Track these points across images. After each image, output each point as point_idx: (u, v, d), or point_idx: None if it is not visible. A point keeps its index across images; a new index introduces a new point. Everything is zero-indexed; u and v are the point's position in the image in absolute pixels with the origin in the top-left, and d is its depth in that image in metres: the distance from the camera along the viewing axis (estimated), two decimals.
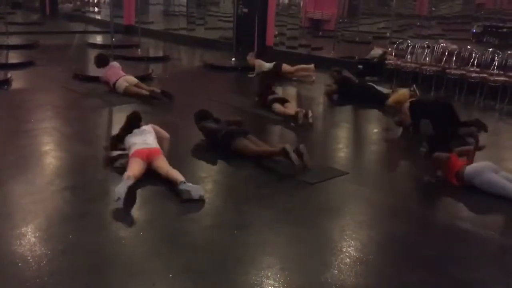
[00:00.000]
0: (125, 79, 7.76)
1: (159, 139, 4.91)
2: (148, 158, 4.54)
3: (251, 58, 10.26)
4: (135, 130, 4.88)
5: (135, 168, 4.39)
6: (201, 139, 5.76)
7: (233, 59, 11.33)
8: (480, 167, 4.65)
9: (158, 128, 5.04)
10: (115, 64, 8.10)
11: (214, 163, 5.20)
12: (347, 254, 3.45)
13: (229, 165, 5.22)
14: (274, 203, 4.28)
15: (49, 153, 5.25)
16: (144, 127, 4.95)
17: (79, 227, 3.66)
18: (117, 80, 7.73)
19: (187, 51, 14.14)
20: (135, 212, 4.04)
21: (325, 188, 4.65)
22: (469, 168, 4.66)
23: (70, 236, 3.52)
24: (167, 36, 15.72)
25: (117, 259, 3.32)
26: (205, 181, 4.61)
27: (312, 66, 9.89)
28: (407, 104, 6.56)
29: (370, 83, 8.57)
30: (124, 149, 4.86)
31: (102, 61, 8.02)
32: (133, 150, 4.60)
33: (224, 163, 5.26)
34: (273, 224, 3.86)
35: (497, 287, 3.20)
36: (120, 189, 3.95)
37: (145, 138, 4.76)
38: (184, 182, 4.21)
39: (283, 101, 7.15)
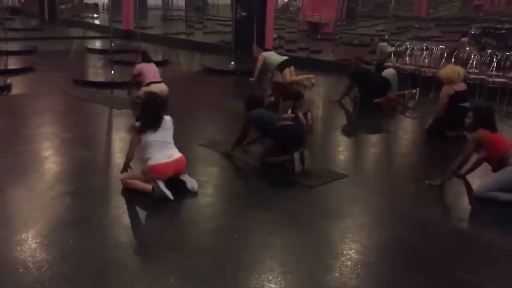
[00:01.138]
0: (159, 87, 7.23)
1: None
2: (175, 173, 4.39)
3: (257, 49, 9.66)
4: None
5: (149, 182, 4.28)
6: (199, 144, 5.76)
7: (232, 63, 11.35)
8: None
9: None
10: (154, 66, 7.77)
11: (214, 167, 5.20)
12: (348, 256, 3.45)
13: (229, 169, 5.22)
14: (275, 206, 4.28)
15: (49, 158, 5.25)
16: (166, 118, 4.46)
17: (79, 233, 3.66)
18: (151, 82, 7.34)
19: (186, 55, 14.16)
20: (136, 217, 4.04)
21: (326, 191, 4.65)
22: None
23: (71, 242, 3.51)
24: (166, 41, 15.75)
25: (118, 264, 3.31)
26: (206, 186, 4.61)
27: (312, 75, 9.70)
28: (448, 90, 6.19)
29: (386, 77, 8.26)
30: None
31: (145, 57, 7.74)
32: (152, 158, 4.26)
33: (225, 167, 5.26)
34: (274, 228, 3.86)
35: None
36: (163, 192, 4.14)
37: (165, 137, 4.37)
38: (184, 173, 4.46)
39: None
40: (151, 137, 4.32)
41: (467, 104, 6.36)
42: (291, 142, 5.02)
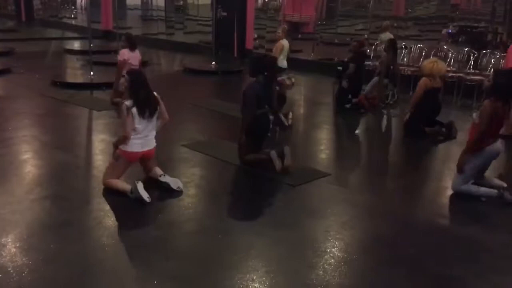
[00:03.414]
0: None
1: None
2: (140, 159, 4.53)
3: (282, 33, 9.05)
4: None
5: (119, 172, 4.41)
6: (182, 144, 5.75)
7: (213, 63, 11.32)
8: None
9: (163, 107, 4.55)
10: (138, 53, 7.61)
11: (196, 168, 5.19)
12: (331, 254, 3.48)
13: (211, 170, 5.21)
14: (257, 206, 4.28)
15: (28, 161, 5.16)
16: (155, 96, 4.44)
17: (60, 236, 3.61)
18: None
19: (166, 56, 14.08)
20: (117, 219, 4.00)
21: (308, 189, 4.67)
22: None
23: (52, 246, 3.46)
24: (146, 41, 15.61)
25: (100, 268, 3.28)
26: (188, 186, 4.60)
27: (291, 75, 9.62)
28: (424, 82, 6.30)
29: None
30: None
31: (132, 44, 7.54)
32: (128, 143, 4.31)
33: (207, 167, 5.25)
34: (257, 227, 3.87)
35: (476, 282, 3.26)
36: (139, 194, 4.09)
37: (147, 132, 4.40)
38: (164, 175, 4.48)
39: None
40: (136, 123, 4.28)
41: (437, 103, 6.58)
42: (261, 131, 5.03)
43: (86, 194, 4.40)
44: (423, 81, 6.37)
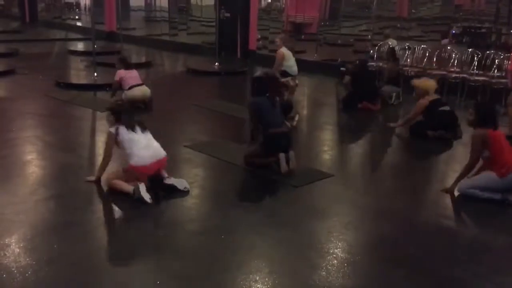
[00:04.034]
0: (141, 90, 7.39)
1: None
2: (156, 172, 4.42)
3: (280, 43, 8.89)
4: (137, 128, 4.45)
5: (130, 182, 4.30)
6: (185, 145, 5.75)
7: (216, 63, 11.33)
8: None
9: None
10: (135, 72, 7.72)
11: (199, 168, 5.19)
12: (334, 255, 3.47)
13: (215, 170, 5.21)
14: (261, 207, 4.28)
15: (32, 162, 5.18)
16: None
17: (64, 237, 3.62)
18: (133, 86, 7.38)
19: (170, 57, 14.10)
20: (121, 219, 4.01)
21: (311, 190, 4.67)
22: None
23: (55, 246, 3.47)
24: (150, 42, 15.66)
25: (104, 268, 3.29)
26: (191, 187, 4.59)
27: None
28: (424, 102, 6.54)
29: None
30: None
31: (127, 64, 7.73)
32: (135, 156, 4.28)
33: (210, 168, 5.25)
34: (260, 228, 3.87)
35: (479, 283, 3.25)
36: (144, 195, 4.09)
37: (148, 140, 4.44)
38: (169, 178, 4.46)
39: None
40: (132, 135, 4.35)
41: (447, 108, 6.61)
42: (278, 147, 4.98)
43: (90, 195, 4.41)
44: (421, 101, 6.59)
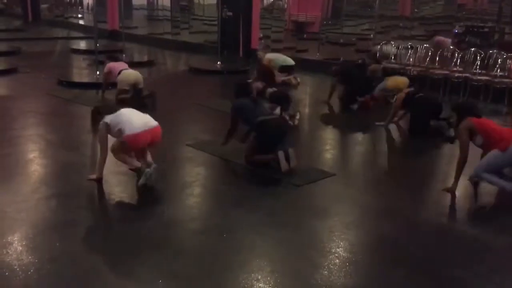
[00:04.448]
0: (131, 73, 7.49)
1: None
2: (150, 143, 4.46)
3: (261, 55, 9.13)
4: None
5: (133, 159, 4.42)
6: (187, 144, 5.75)
7: (218, 62, 11.33)
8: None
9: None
10: (124, 64, 7.94)
11: (200, 167, 5.19)
12: (336, 255, 3.47)
13: (216, 169, 5.22)
14: (262, 206, 4.28)
15: (34, 160, 5.19)
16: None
17: (66, 235, 3.63)
18: (121, 70, 7.52)
19: (172, 56, 14.11)
20: (121, 218, 4.02)
21: (313, 190, 4.67)
22: None
23: (57, 244, 3.48)
24: (152, 41, 15.67)
25: (105, 267, 3.29)
26: (193, 186, 4.61)
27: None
28: (401, 95, 6.89)
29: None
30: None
31: (115, 58, 8.04)
32: (127, 128, 4.29)
33: (212, 167, 5.26)
34: (262, 227, 3.87)
35: (480, 283, 3.24)
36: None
37: (138, 113, 4.50)
38: (151, 168, 4.41)
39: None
40: (120, 112, 4.41)
41: (421, 94, 6.97)
42: (272, 137, 5.00)
43: (92, 193, 4.42)
44: (399, 96, 6.95)
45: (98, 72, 9.25)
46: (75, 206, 4.11)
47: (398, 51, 10.11)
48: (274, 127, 5.06)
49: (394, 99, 8.09)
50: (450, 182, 4.70)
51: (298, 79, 9.61)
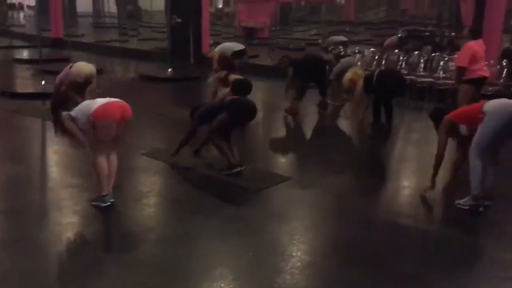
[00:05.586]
0: (85, 64, 7.16)
1: None
2: (121, 119, 4.05)
3: (211, 51, 9.39)
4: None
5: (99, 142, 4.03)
6: (141, 153, 5.63)
7: (169, 69, 11.19)
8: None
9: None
10: None
11: (156, 176, 5.09)
12: (297, 258, 3.49)
13: (172, 178, 5.13)
14: (220, 212, 4.24)
15: None
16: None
17: (14, 253, 3.45)
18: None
19: (121, 63, 13.80)
20: (76, 233, 3.86)
21: (270, 194, 4.67)
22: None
23: (7, 262, 3.31)
24: (99, 49, 15.25)
25: (60, 284, 3.15)
26: (148, 196, 4.51)
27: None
28: (361, 82, 6.92)
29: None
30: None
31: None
32: (90, 108, 3.93)
33: (167, 176, 5.17)
34: (221, 234, 3.83)
35: (438, 277, 3.33)
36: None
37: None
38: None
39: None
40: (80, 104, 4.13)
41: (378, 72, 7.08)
42: (245, 113, 5.11)
43: (42, 207, 4.23)
44: (358, 87, 6.99)
45: (43, 82, 8.90)
46: (24, 222, 3.93)
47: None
48: (247, 103, 5.18)
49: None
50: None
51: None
